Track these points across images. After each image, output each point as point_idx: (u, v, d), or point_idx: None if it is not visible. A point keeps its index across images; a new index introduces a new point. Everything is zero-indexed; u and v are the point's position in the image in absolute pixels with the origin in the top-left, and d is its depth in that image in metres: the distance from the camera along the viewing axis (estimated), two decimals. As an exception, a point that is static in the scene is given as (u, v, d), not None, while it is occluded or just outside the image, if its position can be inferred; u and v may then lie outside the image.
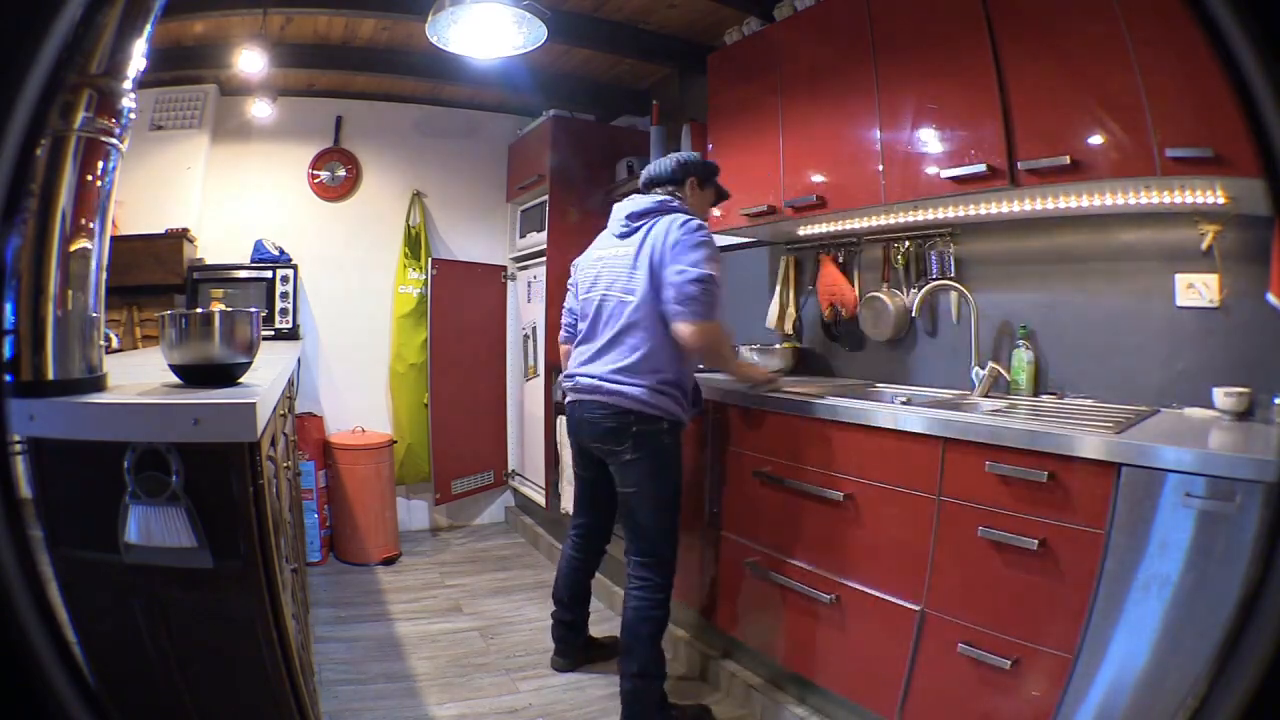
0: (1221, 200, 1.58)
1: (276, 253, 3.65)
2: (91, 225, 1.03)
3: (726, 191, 2.31)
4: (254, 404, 1.04)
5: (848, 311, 2.62)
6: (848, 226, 2.52)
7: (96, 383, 1.06)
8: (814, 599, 1.91)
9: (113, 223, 1.10)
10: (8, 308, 0.94)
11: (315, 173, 3.82)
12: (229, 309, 1.67)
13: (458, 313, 3.87)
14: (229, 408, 1.04)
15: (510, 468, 4.15)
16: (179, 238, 3.35)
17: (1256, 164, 0.55)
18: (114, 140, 1.06)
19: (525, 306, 4.04)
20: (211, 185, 3.58)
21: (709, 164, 2.24)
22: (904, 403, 2.06)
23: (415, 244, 3.90)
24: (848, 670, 1.86)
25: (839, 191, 2.29)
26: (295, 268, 3.61)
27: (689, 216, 2.04)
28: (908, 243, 2.41)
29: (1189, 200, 1.63)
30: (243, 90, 3.43)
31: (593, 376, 2.04)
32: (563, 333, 2.31)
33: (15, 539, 0.56)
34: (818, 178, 2.36)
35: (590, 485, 2.27)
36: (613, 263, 2.09)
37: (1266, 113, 0.52)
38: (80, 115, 1.00)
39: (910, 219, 2.27)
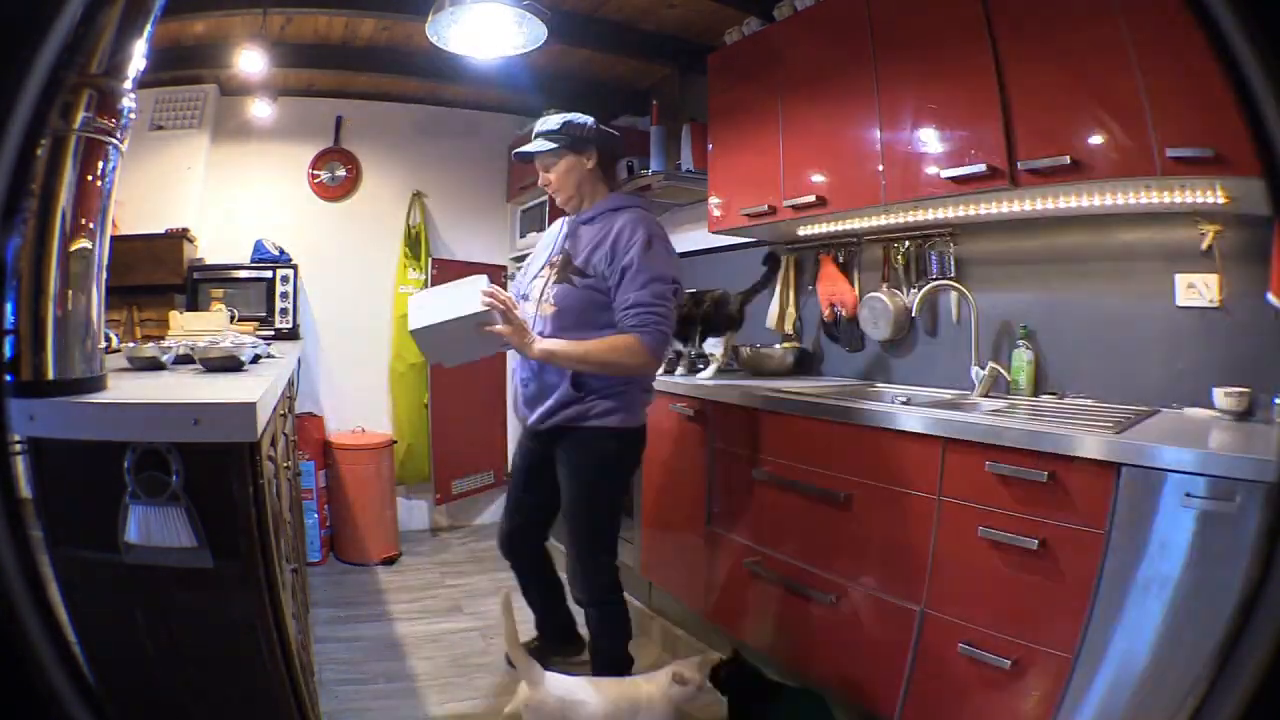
0: (1221, 200, 1.58)
1: (276, 253, 3.64)
2: (91, 225, 1.03)
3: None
4: (254, 404, 1.04)
5: (848, 311, 2.62)
6: (848, 226, 2.52)
7: (96, 383, 1.06)
8: (814, 599, 1.91)
9: (113, 223, 1.10)
10: (8, 308, 0.94)
11: (315, 173, 3.82)
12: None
13: (458, 313, 3.87)
14: (229, 408, 1.04)
15: (510, 468, 4.14)
16: (179, 238, 3.35)
17: (1256, 164, 0.55)
18: (114, 140, 1.05)
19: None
20: (211, 185, 3.58)
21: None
22: (904, 403, 2.06)
23: (415, 244, 3.90)
24: (848, 670, 1.86)
25: (839, 191, 2.29)
26: (295, 268, 3.61)
27: None
28: (908, 243, 2.41)
29: (1189, 200, 1.63)
30: (243, 90, 3.43)
31: None
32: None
33: (15, 539, 0.56)
34: (818, 178, 2.36)
35: None
36: None
37: (1266, 113, 0.53)
38: (80, 115, 1.00)
39: (910, 219, 2.27)
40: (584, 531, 1.92)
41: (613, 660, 1.97)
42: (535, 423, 1.93)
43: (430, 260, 3.83)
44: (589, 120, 1.90)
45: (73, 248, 1.00)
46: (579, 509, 1.92)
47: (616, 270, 1.79)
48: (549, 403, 1.89)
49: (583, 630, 2.13)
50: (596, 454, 1.87)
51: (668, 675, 1.76)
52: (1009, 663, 1.47)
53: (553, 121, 1.87)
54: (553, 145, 1.86)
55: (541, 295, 1.95)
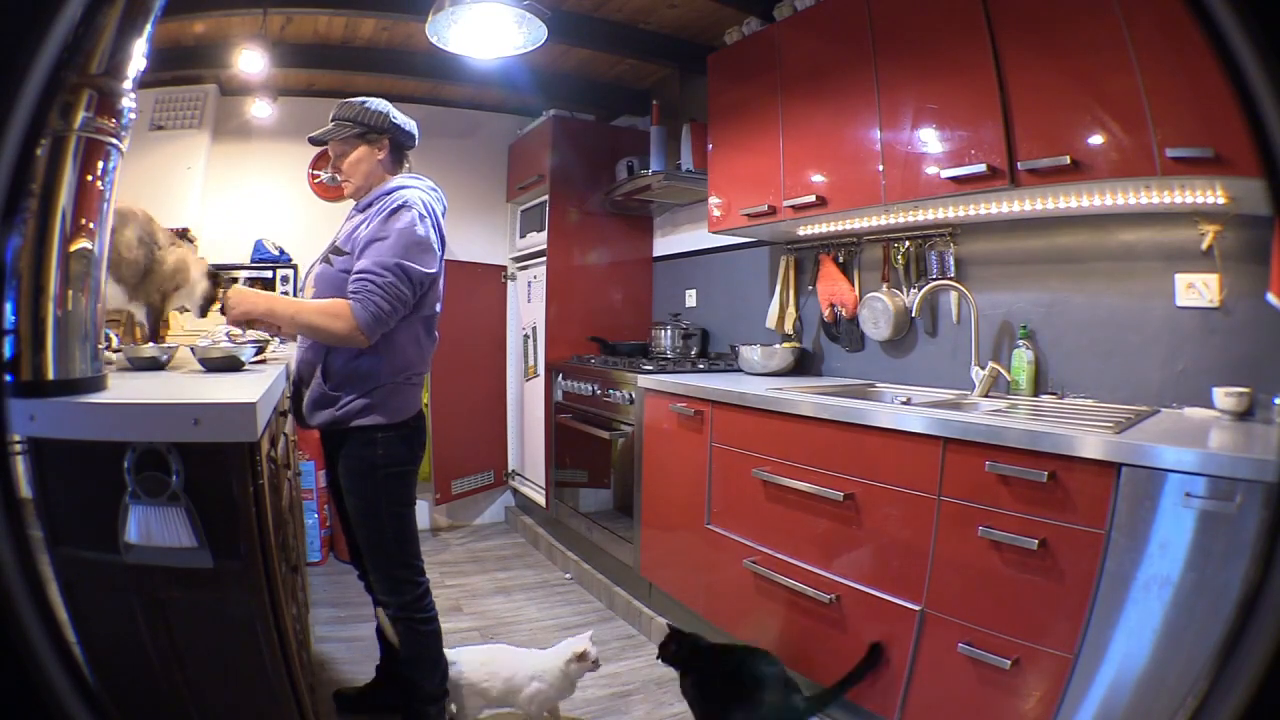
0: (1221, 200, 1.58)
1: (276, 253, 3.65)
2: (91, 225, 1.03)
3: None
4: (254, 404, 1.04)
5: (848, 311, 2.62)
6: (848, 226, 2.52)
7: (96, 383, 1.06)
8: (814, 599, 1.91)
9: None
10: (8, 308, 0.94)
11: (315, 173, 3.82)
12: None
13: (457, 313, 3.87)
14: (229, 408, 1.04)
15: (510, 468, 4.15)
16: (179, 238, 3.34)
17: (1256, 164, 0.55)
18: (114, 140, 1.05)
19: (525, 306, 4.04)
20: (211, 185, 3.58)
21: None
22: (904, 403, 2.06)
23: (415, 244, 3.90)
24: (848, 670, 1.86)
25: (839, 191, 2.29)
26: (295, 268, 3.61)
27: None
28: (908, 243, 2.41)
29: (1189, 200, 1.63)
30: (243, 90, 3.43)
31: None
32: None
33: (15, 539, 0.56)
34: (818, 178, 2.36)
35: None
36: None
37: (1266, 113, 0.53)
38: (80, 115, 1.00)
39: (910, 219, 2.27)
40: (371, 545, 1.77)
41: (416, 694, 1.78)
42: (304, 420, 1.80)
43: (430, 260, 3.82)
44: (385, 109, 1.87)
45: (73, 248, 1.00)
46: (359, 521, 1.77)
47: (363, 242, 1.70)
48: (306, 398, 1.77)
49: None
50: (365, 460, 1.73)
51: (570, 651, 1.93)
52: (1009, 663, 1.47)
53: (348, 108, 1.83)
54: (345, 133, 1.82)
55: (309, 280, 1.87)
